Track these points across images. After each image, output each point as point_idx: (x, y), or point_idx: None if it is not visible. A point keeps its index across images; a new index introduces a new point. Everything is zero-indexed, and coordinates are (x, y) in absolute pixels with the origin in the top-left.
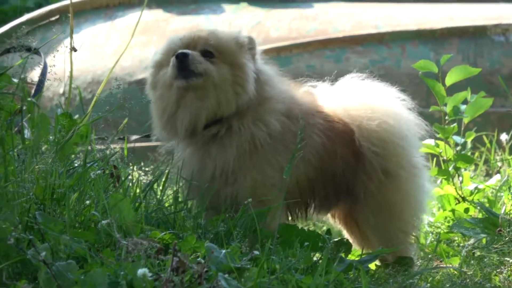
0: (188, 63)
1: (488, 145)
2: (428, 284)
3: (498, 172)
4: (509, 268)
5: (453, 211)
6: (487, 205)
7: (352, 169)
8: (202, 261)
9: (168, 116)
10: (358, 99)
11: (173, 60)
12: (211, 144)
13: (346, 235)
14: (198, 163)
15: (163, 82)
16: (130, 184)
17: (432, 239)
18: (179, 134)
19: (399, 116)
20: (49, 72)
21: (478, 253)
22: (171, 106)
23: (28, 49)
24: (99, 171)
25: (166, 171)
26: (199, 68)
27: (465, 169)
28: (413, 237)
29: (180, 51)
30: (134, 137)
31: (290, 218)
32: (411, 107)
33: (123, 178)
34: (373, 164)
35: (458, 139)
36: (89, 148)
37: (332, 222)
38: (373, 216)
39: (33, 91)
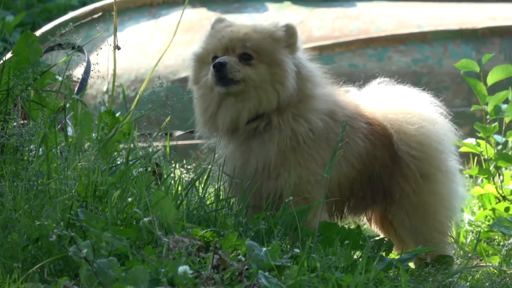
0: (226, 72)
1: None
2: (468, 283)
3: None
4: None
5: (493, 210)
6: None
7: (389, 171)
8: (243, 258)
9: (210, 115)
10: (395, 103)
11: (212, 69)
12: (252, 140)
13: None
14: (241, 158)
15: (205, 83)
16: (172, 182)
17: (472, 238)
18: (219, 131)
19: (435, 120)
20: (92, 70)
21: None
22: (212, 107)
23: (72, 47)
24: (141, 169)
25: (208, 168)
26: (238, 76)
27: (506, 168)
28: (449, 237)
29: (217, 60)
30: (178, 133)
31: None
32: (444, 112)
33: (165, 176)
34: (411, 167)
35: (499, 138)
36: (132, 145)
37: (368, 225)
38: (408, 218)
39: (76, 89)
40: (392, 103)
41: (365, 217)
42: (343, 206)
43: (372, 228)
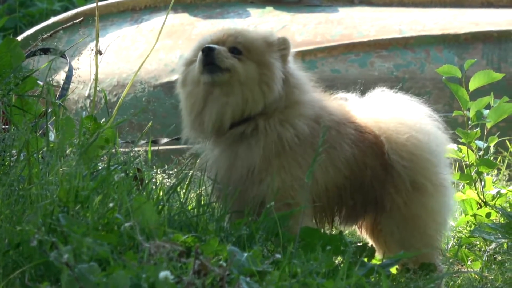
0: (214, 57)
1: (511, 149)
2: None
3: None
4: None
5: (474, 215)
6: (508, 210)
7: (380, 180)
8: (224, 264)
9: (196, 113)
10: (388, 112)
11: (200, 55)
12: (239, 144)
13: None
14: (227, 162)
15: (192, 79)
16: (154, 187)
17: (454, 244)
18: (206, 131)
19: (429, 131)
20: (74, 75)
21: (499, 258)
22: (199, 103)
23: (54, 52)
24: (122, 174)
25: (190, 174)
26: (226, 63)
27: (488, 174)
28: (438, 249)
29: (206, 45)
30: (163, 140)
31: (317, 225)
32: (442, 127)
33: (146, 181)
34: (402, 176)
35: (481, 143)
36: (113, 151)
37: (359, 232)
38: (398, 229)
39: (58, 94)
40: (386, 111)
41: (355, 224)
42: (333, 214)
43: (362, 235)
